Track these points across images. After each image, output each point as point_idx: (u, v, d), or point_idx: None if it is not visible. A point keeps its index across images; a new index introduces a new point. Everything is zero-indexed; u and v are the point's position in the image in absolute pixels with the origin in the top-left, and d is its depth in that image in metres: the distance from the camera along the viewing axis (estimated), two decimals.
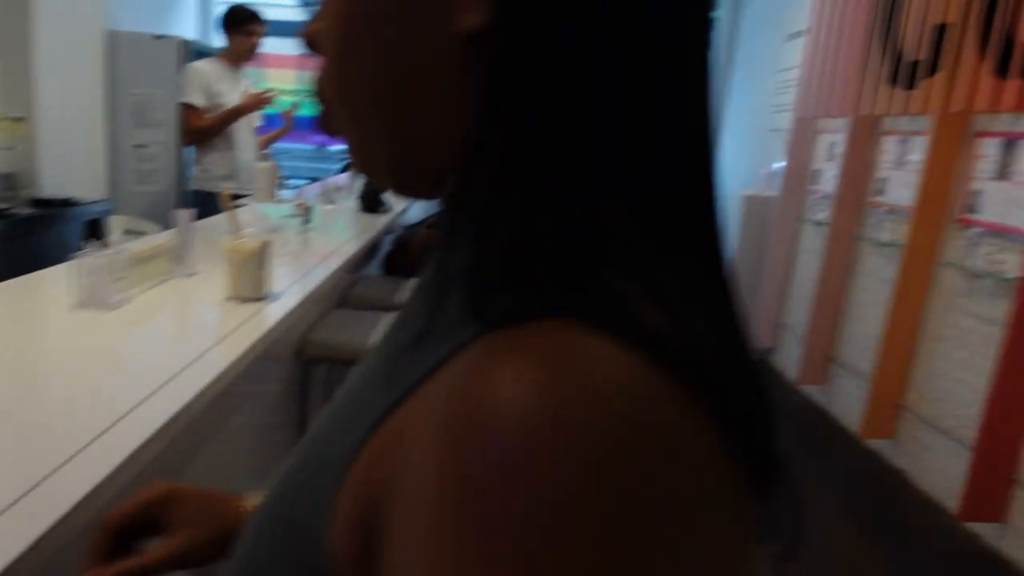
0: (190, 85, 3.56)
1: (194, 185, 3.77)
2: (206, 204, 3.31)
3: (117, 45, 4.27)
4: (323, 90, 0.40)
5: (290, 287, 1.69)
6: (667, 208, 0.33)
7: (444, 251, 0.35)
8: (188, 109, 3.58)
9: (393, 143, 0.37)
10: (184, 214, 1.82)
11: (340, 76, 0.38)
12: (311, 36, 0.41)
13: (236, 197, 3.67)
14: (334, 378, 2.22)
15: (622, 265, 0.31)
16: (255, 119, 3.89)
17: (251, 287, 1.55)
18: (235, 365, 1.17)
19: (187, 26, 5.17)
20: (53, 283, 1.64)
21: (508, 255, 0.30)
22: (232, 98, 3.62)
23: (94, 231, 3.57)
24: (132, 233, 4.34)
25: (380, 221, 2.95)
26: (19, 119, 3.53)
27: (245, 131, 3.75)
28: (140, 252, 1.63)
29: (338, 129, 0.40)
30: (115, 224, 3.95)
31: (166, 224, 3.67)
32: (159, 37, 4.36)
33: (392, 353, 0.36)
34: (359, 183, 3.43)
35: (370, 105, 0.37)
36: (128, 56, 4.28)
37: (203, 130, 3.61)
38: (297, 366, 2.04)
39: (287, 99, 4.31)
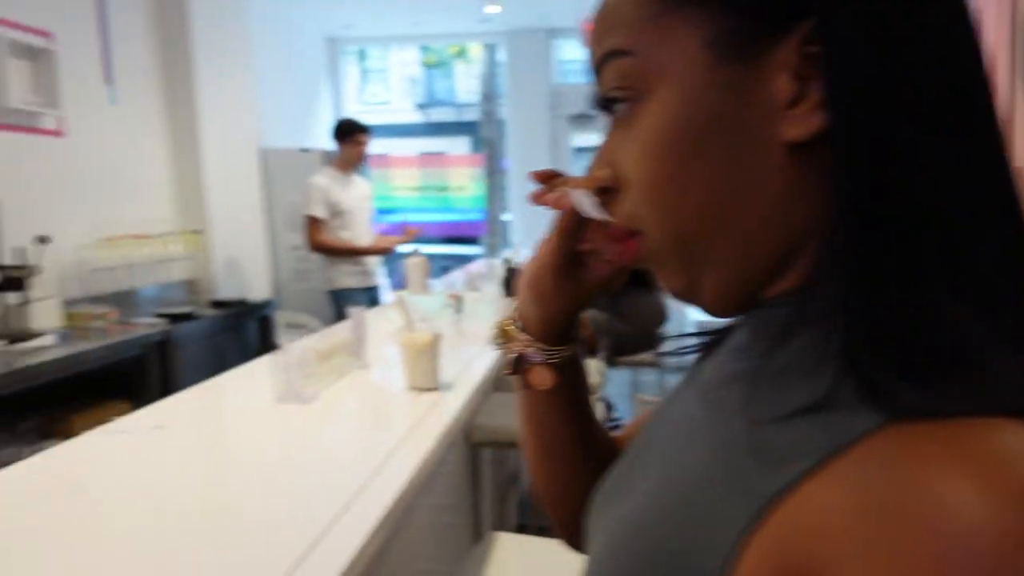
0: (311, 199, 3.79)
1: (326, 286, 3.94)
2: (340, 301, 3.67)
3: (269, 160, 4.76)
4: (635, 224, 0.41)
5: (458, 376, 1.72)
6: (1014, 304, 0.33)
7: (785, 334, 0.35)
8: (312, 221, 3.80)
9: (727, 266, 0.38)
10: (357, 311, 1.86)
11: (663, 210, 0.38)
12: (604, 183, 0.42)
13: (368, 289, 3.94)
14: (499, 460, 2.45)
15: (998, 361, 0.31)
16: (370, 212, 4.14)
17: (426, 378, 1.60)
18: (432, 454, 1.22)
19: (324, 138, 5.09)
20: (256, 378, 1.74)
21: (905, 347, 0.31)
22: (347, 199, 3.88)
23: (264, 327, 3.95)
24: (294, 327, 3.72)
25: None
26: (197, 232, 3.86)
27: (364, 232, 4.01)
28: (323, 349, 1.70)
29: (657, 260, 0.41)
30: (280, 319, 3.91)
31: (323, 318, 3.58)
32: (304, 150, 4.89)
33: (734, 421, 0.36)
34: (500, 269, 3.46)
35: (701, 233, 0.37)
36: (279, 169, 4.79)
37: (326, 246, 3.84)
38: (466, 450, 2.09)
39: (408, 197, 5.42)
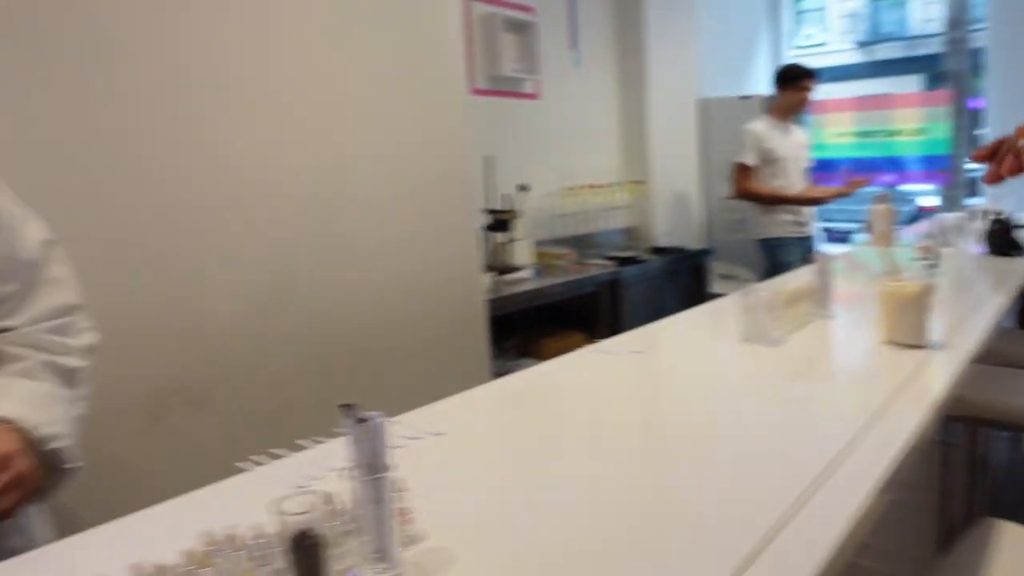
0: (745, 146, 3.73)
1: (758, 234, 3.85)
2: (773, 251, 3.72)
3: (707, 110, 4.84)
4: None
5: (947, 337, 1.50)
6: None
7: None
8: (741, 168, 3.73)
9: None
10: (823, 258, 1.82)
11: None
12: None
13: (802, 239, 3.75)
14: (970, 440, 2.10)
15: None
16: (805, 162, 3.92)
17: (912, 334, 1.44)
18: (925, 421, 1.09)
19: (763, 83, 5.27)
20: (711, 319, 1.86)
21: None
22: (782, 147, 3.74)
23: (698, 275, 4.17)
24: (727, 277, 4.39)
25: (1015, 266, 2.48)
26: (639, 182, 4.26)
27: (796, 178, 3.84)
28: (788, 293, 1.66)
29: None
30: (716, 269, 4.35)
31: (753, 269, 4.01)
32: (744, 98, 4.81)
33: None
34: (980, 223, 3.00)
35: None
36: (717, 118, 4.80)
37: (751, 193, 3.75)
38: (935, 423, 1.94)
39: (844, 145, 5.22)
